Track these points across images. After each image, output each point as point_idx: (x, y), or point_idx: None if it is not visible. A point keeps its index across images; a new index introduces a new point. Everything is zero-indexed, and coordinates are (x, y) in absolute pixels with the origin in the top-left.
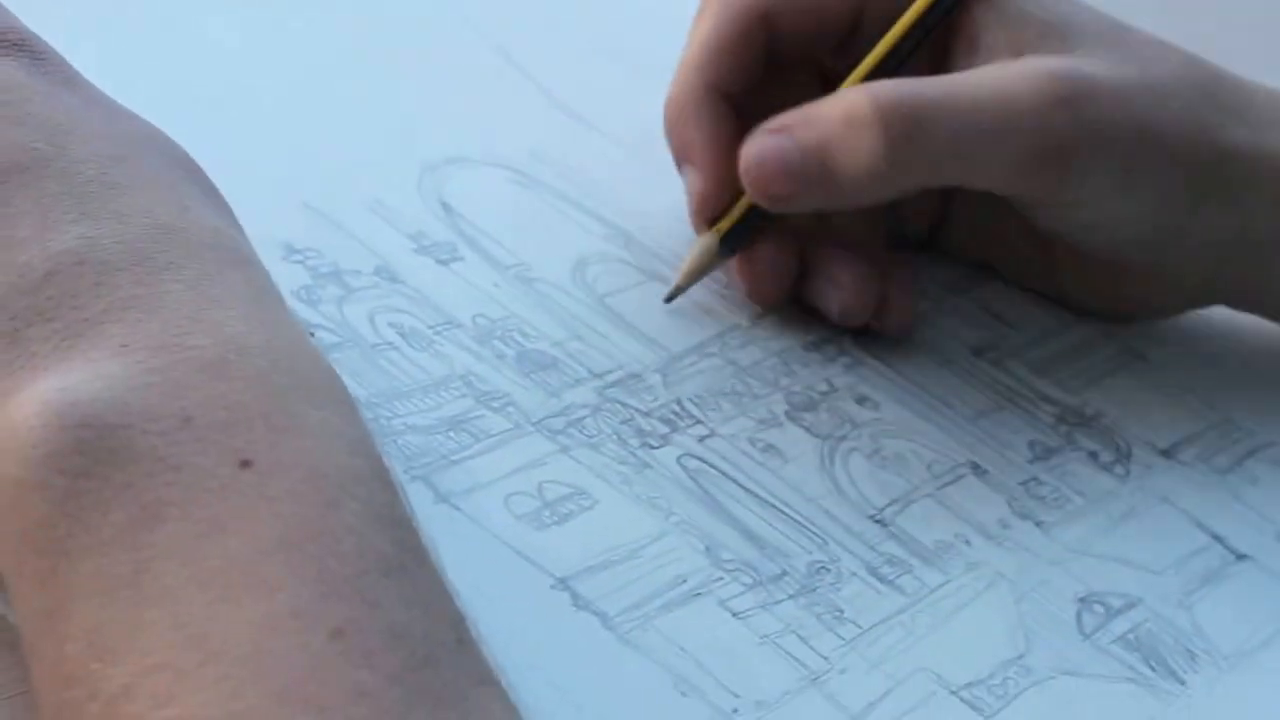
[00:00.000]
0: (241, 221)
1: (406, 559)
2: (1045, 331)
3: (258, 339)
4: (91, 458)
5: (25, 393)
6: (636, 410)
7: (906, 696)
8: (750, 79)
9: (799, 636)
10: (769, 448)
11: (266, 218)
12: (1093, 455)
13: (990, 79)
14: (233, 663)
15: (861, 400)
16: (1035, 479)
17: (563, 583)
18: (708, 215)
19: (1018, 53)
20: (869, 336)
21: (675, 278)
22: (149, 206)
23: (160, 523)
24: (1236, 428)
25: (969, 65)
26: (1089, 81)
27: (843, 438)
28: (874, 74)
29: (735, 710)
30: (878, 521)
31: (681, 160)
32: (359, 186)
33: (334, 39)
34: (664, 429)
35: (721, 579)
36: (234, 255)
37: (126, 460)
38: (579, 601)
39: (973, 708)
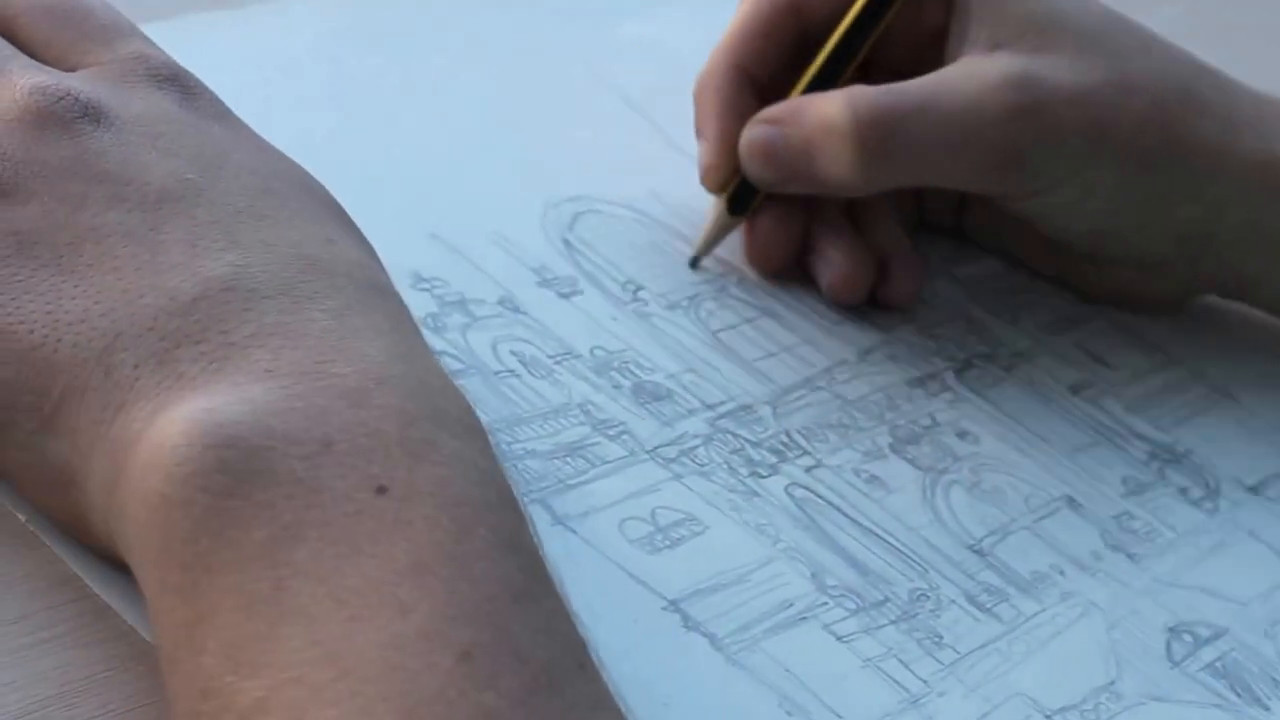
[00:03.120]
0: (377, 253)
1: (533, 585)
2: (1138, 372)
3: (397, 369)
4: (234, 477)
5: (173, 412)
6: (747, 440)
7: (1003, 719)
8: (776, 62)
9: (900, 660)
10: (873, 479)
11: (396, 247)
12: (1183, 491)
13: (957, 89)
14: (364, 680)
15: (962, 434)
16: (1127, 513)
17: (674, 605)
18: (711, 185)
19: (995, 47)
20: (971, 373)
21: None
22: (295, 238)
23: (299, 542)
24: None
25: (955, 53)
26: (1045, 88)
27: (944, 470)
28: (831, 64)
29: None
30: (976, 551)
31: (699, 133)
32: (485, 220)
33: (465, 80)
34: (773, 459)
35: (826, 604)
36: (375, 287)
37: (268, 481)
38: (689, 623)
39: None
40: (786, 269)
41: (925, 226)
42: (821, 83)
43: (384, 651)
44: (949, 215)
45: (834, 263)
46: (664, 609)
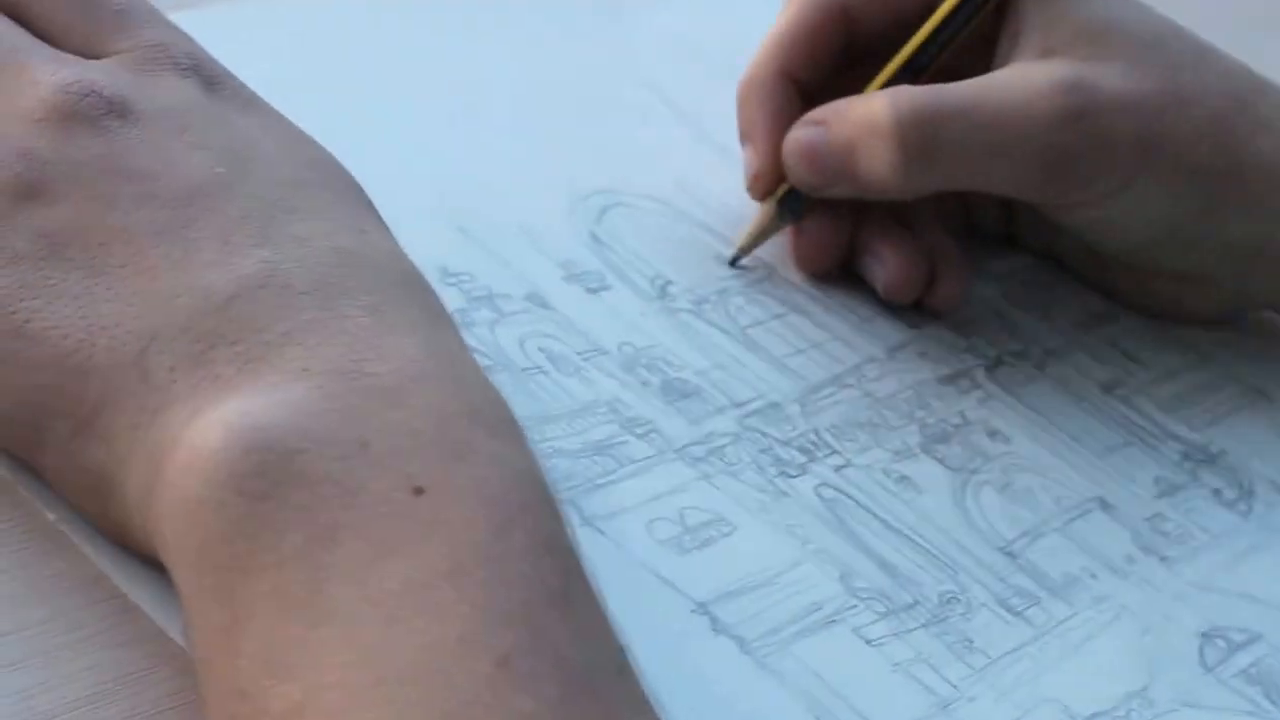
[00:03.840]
0: (400, 244)
1: (571, 588)
2: (1172, 370)
3: (433, 367)
4: (271, 480)
5: (209, 415)
6: (775, 439)
7: None
8: (824, 68)
9: (930, 665)
10: (903, 479)
11: (423, 241)
12: (1216, 492)
13: (1005, 91)
14: (402, 684)
15: (993, 434)
16: (1160, 515)
17: (702, 607)
18: (759, 193)
19: (1047, 53)
20: (1002, 371)
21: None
22: (329, 231)
23: (336, 545)
24: None
25: (1005, 58)
26: (1099, 94)
27: (975, 471)
28: (904, 70)
29: None
30: (1007, 554)
31: (744, 138)
32: (512, 214)
33: (491, 73)
34: (802, 458)
35: (855, 607)
36: (409, 280)
37: (304, 483)
38: (718, 626)
39: None
40: (832, 271)
41: (976, 233)
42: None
43: (422, 655)
44: (997, 223)
45: (889, 261)
46: (693, 611)
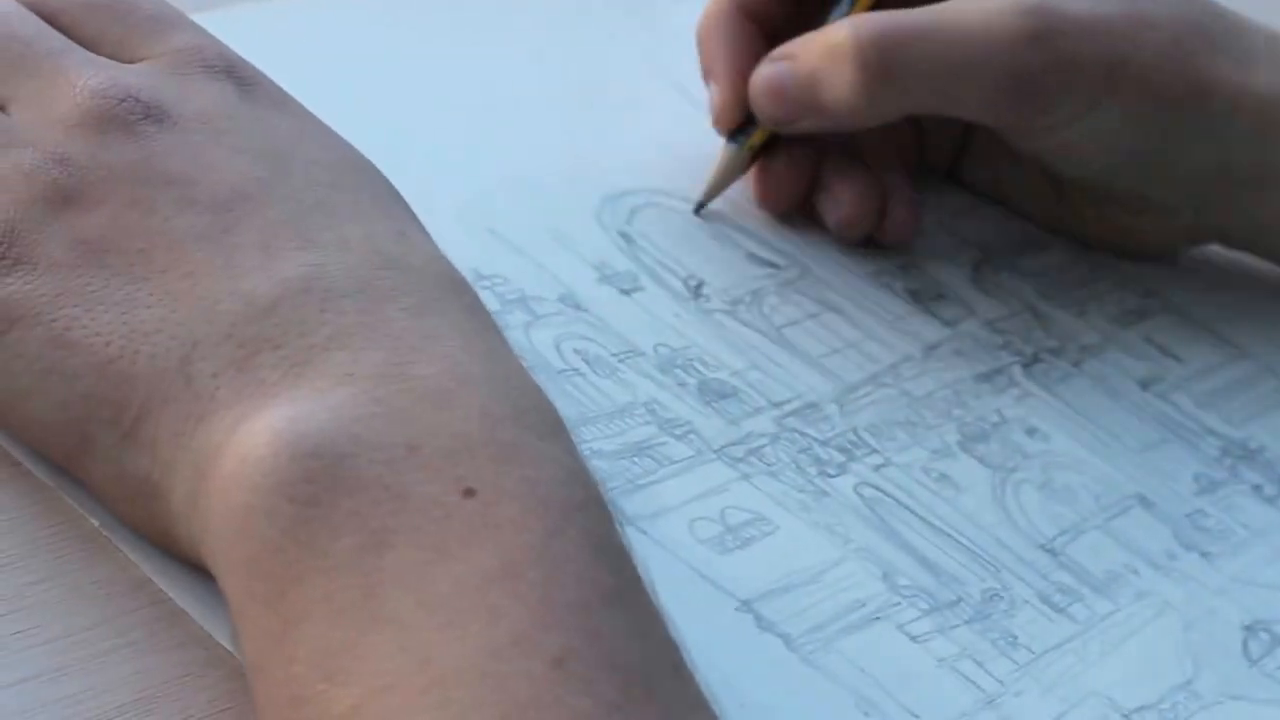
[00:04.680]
0: None
1: (624, 587)
2: (1210, 365)
3: (479, 369)
4: (320, 486)
5: (255, 421)
6: (814, 439)
7: (1080, 719)
8: (780, 4)
9: (975, 661)
10: (942, 477)
11: (456, 244)
12: (1256, 488)
13: (967, 13)
14: (457, 687)
15: (1031, 432)
16: (1200, 511)
17: (746, 605)
18: (724, 126)
19: None
20: (1039, 368)
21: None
22: (369, 233)
23: (387, 549)
24: None
25: None
26: (1061, 16)
27: (1013, 469)
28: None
29: None
30: (1049, 551)
31: (706, 76)
32: (543, 216)
33: (518, 73)
34: (841, 458)
35: (899, 604)
36: (451, 282)
37: (354, 488)
38: (763, 623)
39: None
40: (795, 209)
41: (923, 169)
42: None
43: (476, 658)
44: (948, 159)
45: (842, 199)
46: (737, 609)
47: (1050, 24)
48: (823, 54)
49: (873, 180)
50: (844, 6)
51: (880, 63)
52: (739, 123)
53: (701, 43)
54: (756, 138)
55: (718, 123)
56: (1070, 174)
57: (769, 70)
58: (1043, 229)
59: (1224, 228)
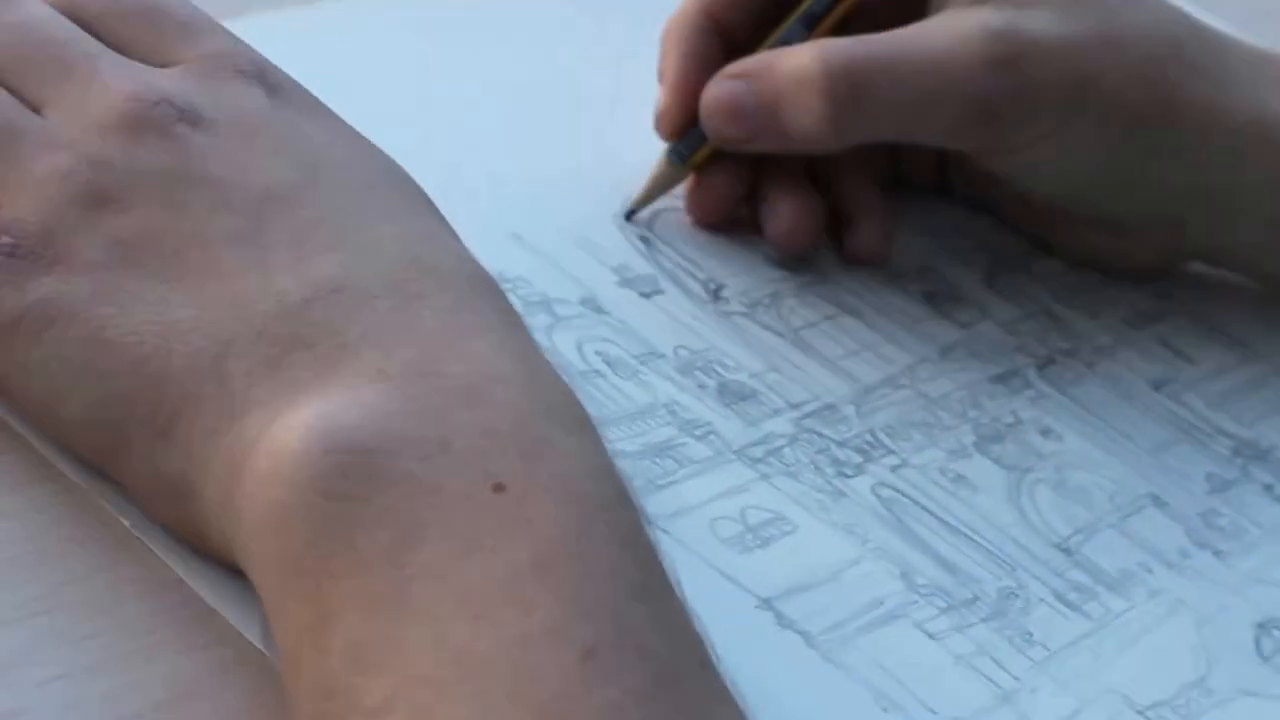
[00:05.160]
0: None
1: (653, 581)
2: (1221, 367)
3: (509, 367)
4: (354, 481)
5: (288, 418)
6: (832, 440)
7: (1095, 715)
8: (746, 13)
9: (991, 658)
10: (959, 478)
11: (479, 248)
12: (1268, 488)
13: (933, 40)
14: (490, 679)
15: (1046, 432)
16: (1213, 510)
17: (767, 603)
18: (665, 131)
19: (978, 1)
20: (1053, 370)
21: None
22: (400, 234)
23: (420, 543)
24: None
25: (938, 6)
26: (1027, 40)
27: (1029, 469)
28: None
29: None
30: (1063, 550)
31: (660, 76)
32: (564, 220)
33: (539, 78)
34: (858, 459)
35: (917, 602)
36: (480, 282)
37: (387, 484)
38: (783, 621)
39: None
40: (727, 220)
41: (904, 184)
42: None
43: (508, 650)
44: (929, 174)
45: (781, 213)
46: (757, 607)
47: (1014, 48)
48: (788, 78)
49: (814, 194)
50: (796, 27)
51: (849, 92)
52: (681, 128)
53: (663, 42)
54: (700, 155)
55: (660, 127)
56: (1042, 193)
57: (726, 88)
58: (1033, 244)
59: (1201, 247)
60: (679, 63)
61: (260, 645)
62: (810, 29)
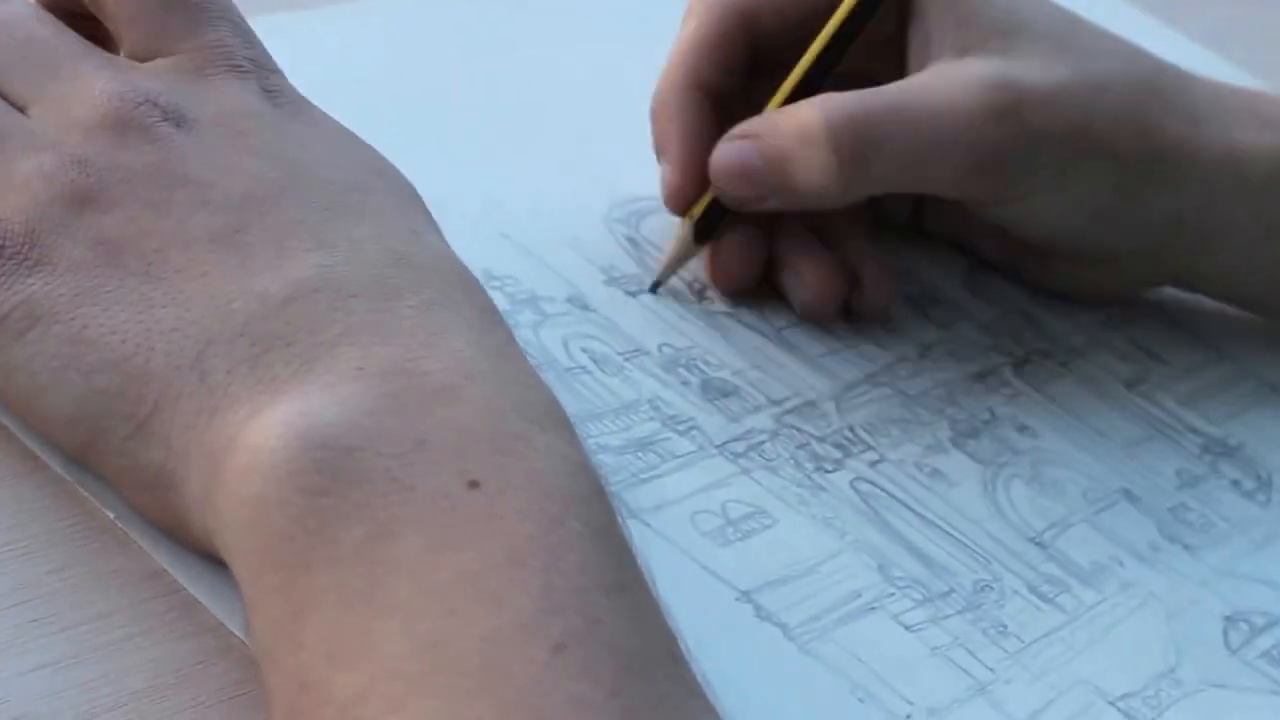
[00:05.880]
0: None
1: (625, 578)
2: (1192, 367)
3: (486, 365)
4: (330, 477)
5: (267, 415)
6: (812, 436)
7: (1067, 705)
8: (732, 77)
9: (966, 649)
10: (935, 473)
11: (468, 246)
12: (1235, 483)
13: (933, 92)
14: (461, 673)
15: (1021, 429)
16: (1183, 505)
17: (746, 595)
18: (677, 207)
19: (964, 52)
20: (1029, 369)
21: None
22: (381, 233)
23: (394, 539)
24: None
25: (921, 60)
26: (1023, 89)
27: (1004, 464)
28: (812, 72)
29: (909, 716)
30: (1037, 544)
31: (660, 153)
32: (553, 220)
33: (530, 79)
34: (837, 454)
35: (893, 594)
36: (461, 280)
37: (362, 480)
38: (761, 613)
39: (1129, 717)
40: (751, 288)
41: (881, 223)
42: (798, 96)
43: (480, 644)
44: (906, 213)
45: (806, 279)
46: (736, 600)
47: (1014, 96)
48: (793, 136)
49: (836, 256)
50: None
51: (853, 146)
52: (692, 203)
53: (654, 119)
54: (697, 209)
55: (669, 203)
56: (1032, 237)
57: (733, 150)
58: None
59: (1177, 274)
60: (680, 136)
61: (242, 635)
62: (822, 80)
